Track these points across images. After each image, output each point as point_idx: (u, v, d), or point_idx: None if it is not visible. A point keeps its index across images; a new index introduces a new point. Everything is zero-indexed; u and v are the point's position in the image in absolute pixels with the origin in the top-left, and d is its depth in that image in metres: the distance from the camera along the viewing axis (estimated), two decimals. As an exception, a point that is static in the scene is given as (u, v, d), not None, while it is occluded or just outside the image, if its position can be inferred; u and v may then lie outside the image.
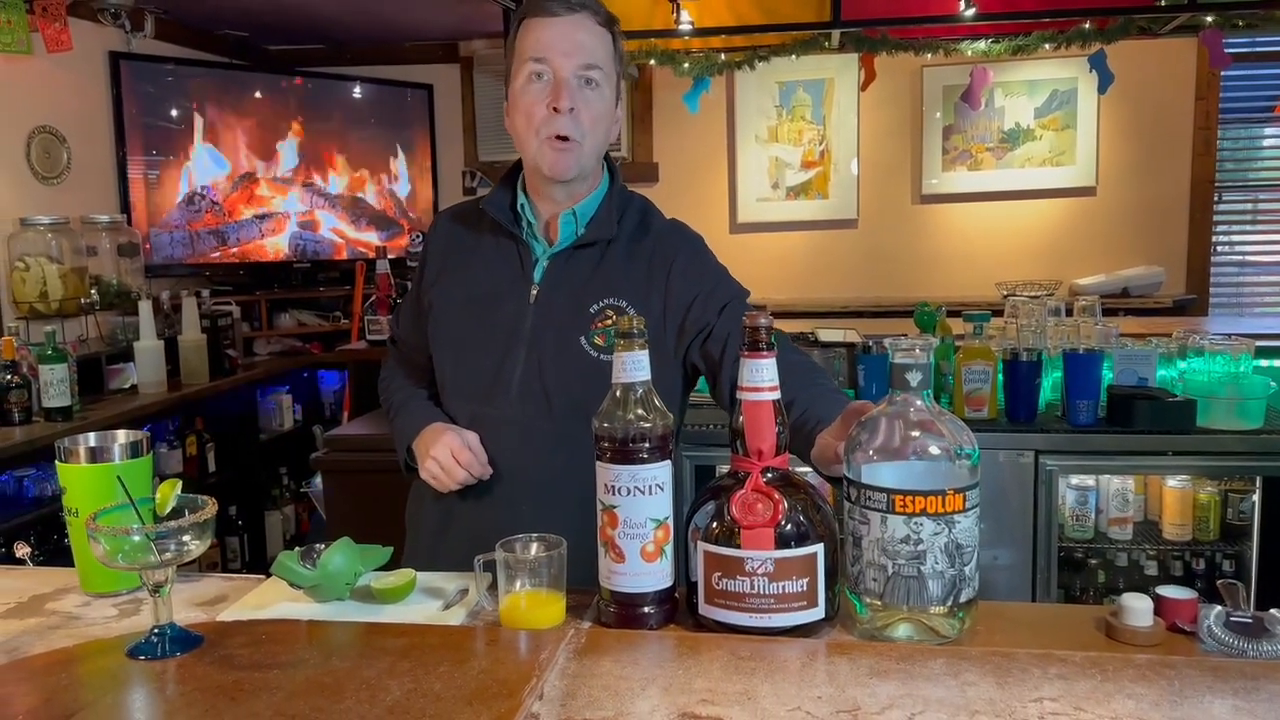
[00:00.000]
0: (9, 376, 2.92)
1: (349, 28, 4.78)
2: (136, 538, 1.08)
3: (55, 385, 3.00)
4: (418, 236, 3.77)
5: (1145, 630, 1.11)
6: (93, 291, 3.53)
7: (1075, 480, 2.77)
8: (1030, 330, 2.80)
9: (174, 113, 4.33)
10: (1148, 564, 2.86)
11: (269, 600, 1.30)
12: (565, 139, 1.47)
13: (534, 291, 1.54)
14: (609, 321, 1.50)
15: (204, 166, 4.43)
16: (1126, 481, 2.78)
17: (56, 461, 1.33)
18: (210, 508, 1.12)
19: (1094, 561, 2.89)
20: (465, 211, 1.66)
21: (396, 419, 1.66)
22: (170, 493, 1.15)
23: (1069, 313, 2.97)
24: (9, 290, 3.44)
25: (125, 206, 4.11)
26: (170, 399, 3.49)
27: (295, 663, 1.08)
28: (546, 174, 1.50)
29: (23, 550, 2.08)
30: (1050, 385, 2.77)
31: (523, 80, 1.48)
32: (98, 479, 1.29)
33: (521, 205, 1.56)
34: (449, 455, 1.49)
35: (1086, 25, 3.67)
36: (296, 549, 1.31)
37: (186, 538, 1.09)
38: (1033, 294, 4.16)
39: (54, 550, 2.79)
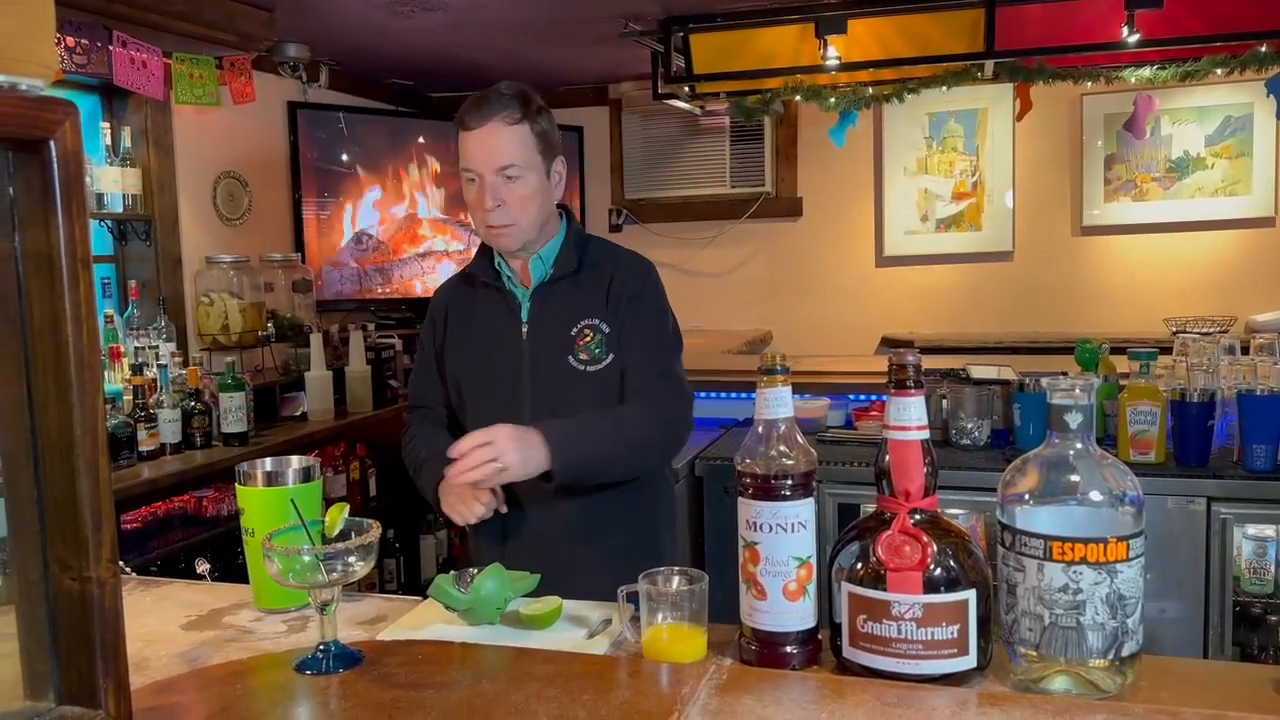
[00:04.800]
0: (193, 404, 3.15)
1: (506, 74, 4.94)
2: (307, 558, 1.15)
3: (233, 412, 3.21)
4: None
5: (1332, 695, 1.03)
6: (269, 325, 3.76)
7: (1252, 530, 2.59)
8: (1202, 369, 2.64)
9: (344, 157, 4.60)
10: (1338, 624, 2.64)
11: (425, 621, 1.36)
12: (500, 226, 1.75)
13: (524, 329, 1.82)
14: (588, 338, 1.78)
15: (371, 207, 4.69)
16: (1312, 533, 2.58)
17: (236, 485, 1.43)
18: (375, 531, 1.19)
19: (1274, 618, 2.67)
20: (457, 282, 1.95)
21: (420, 474, 1.88)
22: (339, 516, 1.22)
23: (1245, 351, 2.79)
24: (195, 323, 3.71)
25: (299, 245, 4.38)
26: (336, 426, 3.68)
27: (449, 683, 1.12)
28: (497, 251, 1.83)
29: (203, 567, 2.23)
30: (1224, 428, 2.60)
31: (463, 183, 1.79)
32: (273, 501, 1.38)
33: (499, 263, 1.85)
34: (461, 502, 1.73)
35: (1262, 49, 3.45)
36: (451, 573, 1.36)
37: (352, 559, 1.15)
38: (1205, 330, 3.93)
39: (229, 567, 2.98)
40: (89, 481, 0.85)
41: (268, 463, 1.43)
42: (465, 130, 1.75)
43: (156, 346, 3.20)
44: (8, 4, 0.80)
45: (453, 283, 1.97)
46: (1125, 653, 1.05)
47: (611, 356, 1.78)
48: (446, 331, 1.91)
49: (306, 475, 1.42)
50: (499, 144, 1.73)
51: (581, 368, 1.77)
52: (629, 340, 1.78)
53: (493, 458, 1.54)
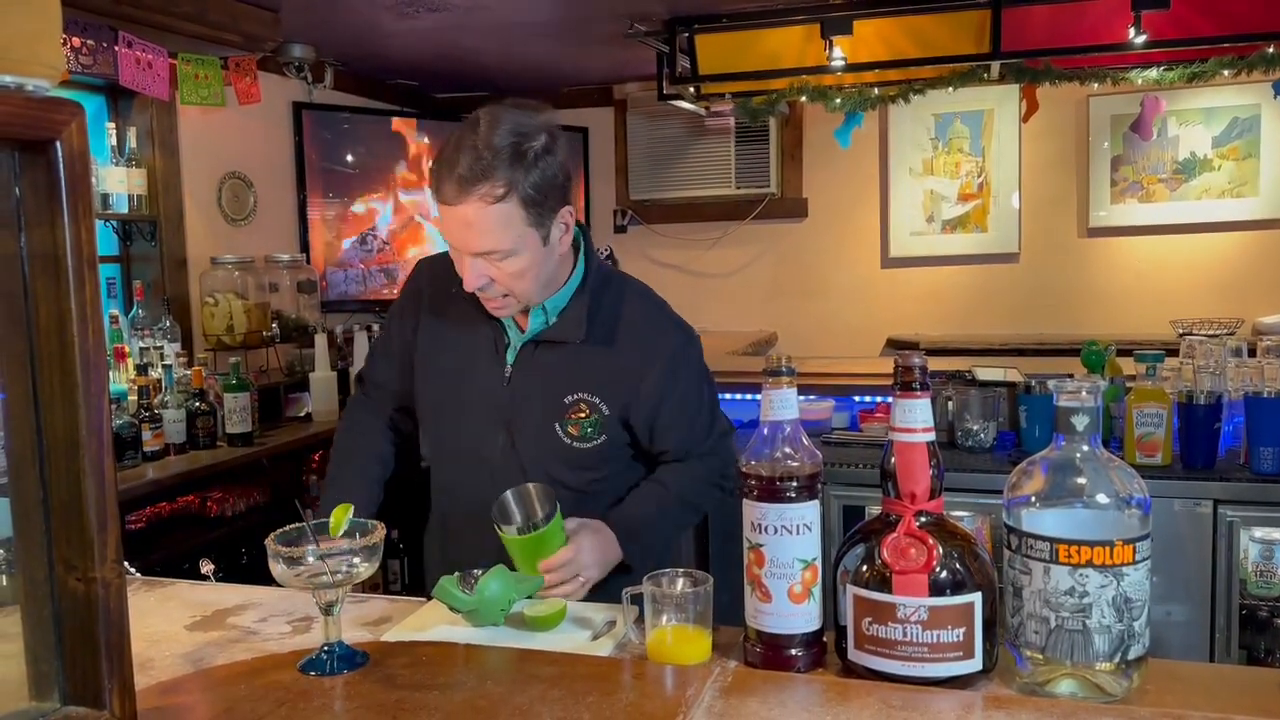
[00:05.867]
0: (197, 404, 3.15)
1: (511, 75, 4.98)
2: (311, 558, 1.15)
3: (238, 413, 3.21)
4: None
5: (1340, 700, 1.03)
6: (274, 325, 3.77)
7: (1259, 533, 2.58)
8: (1209, 371, 2.64)
9: (349, 158, 4.61)
10: (1345, 627, 2.63)
11: (429, 622, 1.36)
12: (492, 300, 1.54)
13: (508, 373, 1.61)
14: (583, 414, 1.58)
15: (376, 208, 4.69)
16: (1320, 536, 2.57)
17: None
18: (379, 532, 1.18)
19: (1282, 622, 2.67)
20: (448, 269, 1.62)
21: (327, 490, 1.73)
22: (343, 517, 1.22)
23: (1252, 353, 2.78)
24: (200, 323, 3.71)
25: (305, 246, 4.38)
26: (340, 427, 3.68)
27: (453, 685, 1.12)
28: None
29: (207, 567, 2.23)
30: (1231, 430, 2.59)
31: (449, 244, 1.53)
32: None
33: None
34: None
35: (1270, 50, 3.44)
36: (456, 574, 1.36)
37: (356, 559, 1.15)
38: (1211, 333, 3.91)
39: (233, 568, 2.98)
40: (94, 482, 0.85)
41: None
42: (441, 202, 1.46)
43: (161, 347, 3.20)
44: (14, 5, 0.80)
45: (441, 267, 1.66)
46: (1131, 656, 1.05)
47: (603, 438, 1.60)
48: (419, 328, 1.69)
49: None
50: (478, 227, 1.44)
51: (568, 442, 1.59)
52: (670, 426, 1.62)
53: (576, 574, 1.47)
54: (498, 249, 1.46)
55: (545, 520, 1.45)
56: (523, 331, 1.61)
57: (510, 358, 1.62)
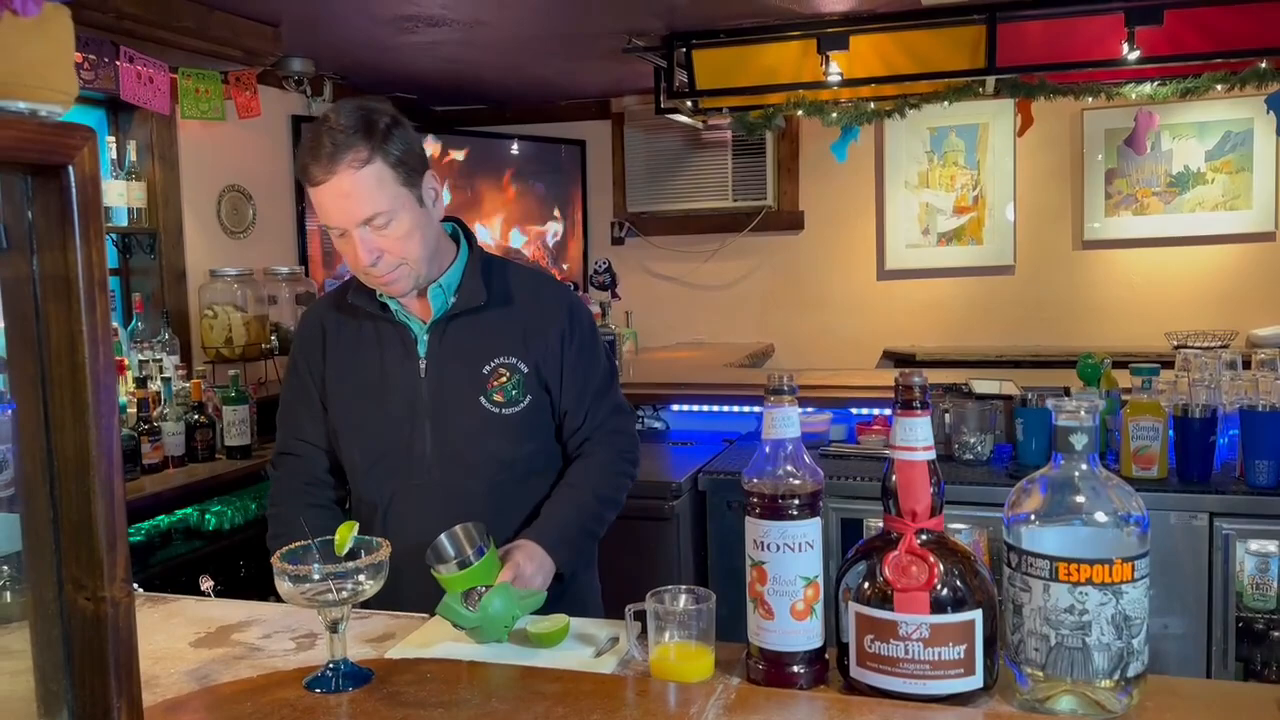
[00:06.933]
0: (196, 416, 3.15)
1: (510, 89, 5.00)
2: (317, 576, 1.15)
3: (237, 425, 3.21)
4: (573, 286, 3.88)
5: (1337, 716, 1.04)
6: (272, 338, 3.77)
7: (1255, 545, 2.59)
8: (1204, 384, 2.65)
9: (347, 170, 4.61)
10: (1341, 640, 2.64)
11: (433, 639, 1.36)
12: (387, 275, 1.56)
13: (422, 365, 1.65)
14: (504, 378, 1.63)
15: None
16: (1315, 549, 2.58)
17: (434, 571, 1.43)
18: (384, 549, 1.19)
19: (1277, 634, 2.67)
20: (333, 305, 1.73)
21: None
22: (348, 534, 1.22)
23: (1246, 365, 2.80)
24: (199, 336, 3.72)
25: (303, 258, 4.39)
26: (337, 440, 3.68)
27: (457, 702, 1.13)
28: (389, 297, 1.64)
29: (206, 584, 2.23)
30: (1226, 443, 2.61)
31: (332, 234, 1.57)
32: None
33: (383, 294, 1.64)
34: None
35: (1262, 65, 3.47)
36: (459, 590, 1.36)
37: (361, 577, 1.16)
38: (1206, 345, 3.93)
39: (232, 582, 2.98)
40: (104, 502, 0.85)
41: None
42: (312, 185, 1.52)
43: (160, 359, 3.20)
44: (28, 33, 0.81)
45: (326, 307, 1.76)
46: (1131, 673, 1.06)
47: (529, 399, 1.64)
48: (326, 365, 1.71)
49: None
50: (355, 195, 1.49)
51: (496, 410, 1.63)
52: (572, 380, 1.68)
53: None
54: (379, 210, 1.51)
55: (479, 554, 1.43)
56: (425, 321, 1.65)
57: (422, 350, 1.65)
